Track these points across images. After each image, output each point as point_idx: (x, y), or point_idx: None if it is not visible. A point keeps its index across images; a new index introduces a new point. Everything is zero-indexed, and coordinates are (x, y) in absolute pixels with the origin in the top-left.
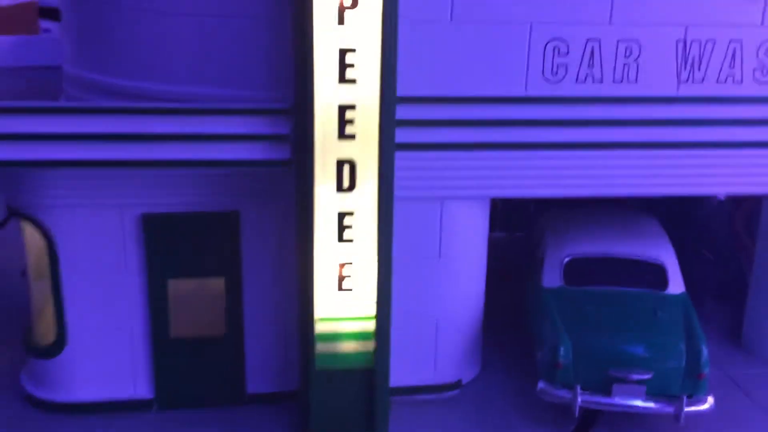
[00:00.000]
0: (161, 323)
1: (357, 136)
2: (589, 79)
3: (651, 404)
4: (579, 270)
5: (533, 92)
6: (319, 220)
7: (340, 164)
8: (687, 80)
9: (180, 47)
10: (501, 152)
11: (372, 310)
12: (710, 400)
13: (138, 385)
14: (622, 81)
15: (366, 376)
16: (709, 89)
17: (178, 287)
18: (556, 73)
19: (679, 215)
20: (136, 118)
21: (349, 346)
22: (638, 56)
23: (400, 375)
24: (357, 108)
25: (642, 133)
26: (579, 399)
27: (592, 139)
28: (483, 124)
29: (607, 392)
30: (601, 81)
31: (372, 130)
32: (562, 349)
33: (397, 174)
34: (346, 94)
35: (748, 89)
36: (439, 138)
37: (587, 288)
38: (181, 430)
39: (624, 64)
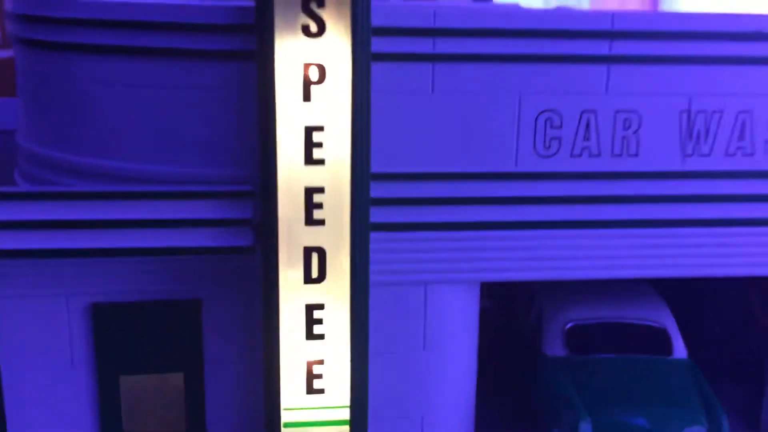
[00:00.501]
0: (113, 423)
1: (327, 221)
2: (586, 152)
3: None
4: (582, 336)
5: (524, 167)
6: (285, 314)
7: (308, 252)
8: (692, 154)
9: (139, 122)
10: (490, 232)
11: (346, 414)
12: None
13: None
14: (621, 155)
15: None
16: (717, 163)
17: (131, 384)
18: (549, 146)
19: (686, 290)
20: (81, 203)
21: None
22: (638, 128)
23: None
24: (326, 191)
25: (644, 210)
26: None
27: (589, 218)
28: (469, 202)
29: None
30: (599, 155)
31: (343, 215)
32: (584, 426)
33: (375, 256)
34: (313, 175)
35: (761, 162)
36: (420, 217)
37: (594, 356)
38: None
39: (623, 137)
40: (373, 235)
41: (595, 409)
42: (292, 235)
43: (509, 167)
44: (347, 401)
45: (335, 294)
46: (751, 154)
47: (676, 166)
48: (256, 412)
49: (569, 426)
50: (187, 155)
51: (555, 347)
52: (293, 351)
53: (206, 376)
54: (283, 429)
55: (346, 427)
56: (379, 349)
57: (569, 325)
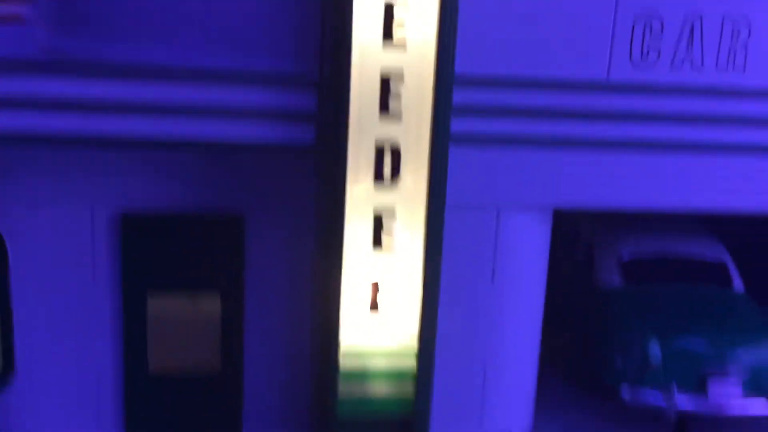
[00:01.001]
0: (137, 354)
1: (404, 114)
2: (687, 64)
3: (747, 404)
4: (639, 270)
5: (617, 77)
6: (351, 221)
7: (380, 149)
8: None
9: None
10: (573, 151)
11: (413, 342)
12: None
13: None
14: (727, 68)
15: (401, 430)
16: None
17: (161, 307)
18: (647, 55)
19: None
20: (114, 80)
21: (381, 389)
22: (748, 38)
23: (436, 425)
24: (405, 78)
25: (751, 134)
26: (676, 400)
27: (688, 139)
28: (550, 114)
29: (702, 393)
30: (702, 66)
31: (423, 107)
32: (653, 347)
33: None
34: (391, 59)
35: None
36: (496, 129)
37: (651, 287)
38: None
39: (730, 48)
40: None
41: (662, 332)
42: (363, 128)
43: (600, 76)
44: (415, 329)
45: (409, 201)
46: None
47: None
48: (301, 346)
49: (635, 350)
50: (239, 44)
51: (612, 281)
52: (357, 266)
53: (246, 303)
54: (341, 358)
55: (412, 360)
56: (443, 277)
57: (626, 258)
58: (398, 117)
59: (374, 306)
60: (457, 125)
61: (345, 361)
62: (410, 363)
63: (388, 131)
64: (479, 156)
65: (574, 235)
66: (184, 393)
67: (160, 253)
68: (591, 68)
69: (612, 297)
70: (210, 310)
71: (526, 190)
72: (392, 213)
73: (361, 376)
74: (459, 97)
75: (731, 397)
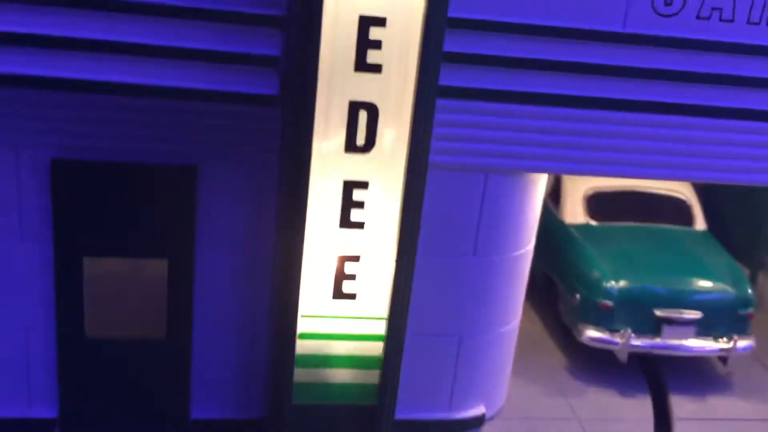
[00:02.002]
0: (73, 318)
1: (384, 68)
2: (716, 15)
3: (701, 345)
4: (603, 205)
5: (635, 29)
6: (316, 192)
7: (354, 108)
8: None
9: None
10: (575, 111)
11: (381, 327)
12: (753, 340)
13: (35, 401)
14: (760, 22)
15: (363, 415)
16: None
17: (99, 268)
18: (671, 4)
19: None
20: (53, 12)
21: (343, 375)
22: None
23: (402, 406)
24: (387, 24)
25: None
26: (630, 341)
27: (715, 103)
28: (553, 67)
29: (656, 334)
30: (732, 20)
31: (408, 61)
32: (608, 287)
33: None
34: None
35: None
36: (490, 84)
37: (614, 224)
38: None
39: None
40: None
41: (620, 271)
42: (335, 82)
43: (616, 27)
44: (384, 312)
45: (384, 170)
46: None
47: None
48: (256, 316)
49: (593, 287)
50: None
51: (576, 216)
52: (321, 242)
53: (196, 266)
54: (298, 341)
55: (380, 344)
56: (420, 249)
57: (589, 193)
58: (377, 69)
59: (340, 286)
60: (447, 79)
61: (304, 344)
62: (377, 349)
63: (366, 87)
64: (468, 109)
65: None
66: (124, 360)
67: (97, 205)
68: (604, 19)
69: (573, 233)
70: (155, 270)
71: (519, 151)
72: (365, 183)
73: (321, 361)
74: (451, 45)
75: (684, 338)
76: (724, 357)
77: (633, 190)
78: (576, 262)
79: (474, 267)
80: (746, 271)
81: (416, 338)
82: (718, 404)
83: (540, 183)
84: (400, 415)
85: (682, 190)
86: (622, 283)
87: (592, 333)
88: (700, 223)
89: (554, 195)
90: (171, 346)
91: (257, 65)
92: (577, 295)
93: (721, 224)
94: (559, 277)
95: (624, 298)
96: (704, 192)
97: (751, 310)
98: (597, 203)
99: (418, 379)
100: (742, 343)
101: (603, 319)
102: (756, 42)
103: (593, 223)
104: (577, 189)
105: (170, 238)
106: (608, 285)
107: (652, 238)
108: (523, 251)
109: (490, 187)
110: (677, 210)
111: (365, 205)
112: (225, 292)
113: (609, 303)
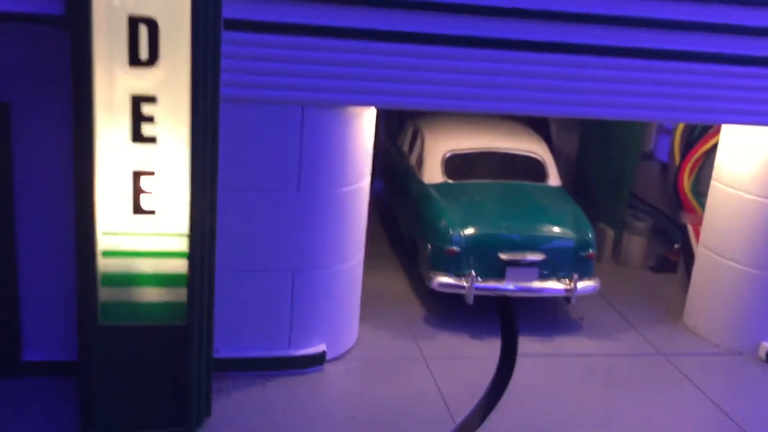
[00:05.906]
0: None
1: None
2: None
3: (544, 285)
4: (459, 165)
5: None
6: (103, 105)
7: (133, 23)
8: None
9: None
10: (403, 46)
11: (184, 244)
12: (597, 281)
13: None
14: None
15: (175, 338)
16: None
17: None
18: None
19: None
20: None
21: (150, 294)
22: None
23: (241, 343)
24: None
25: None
26: (474, 285)
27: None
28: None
29: (501, 277)
30: None
31: None
32: (454, 234)
33: (237, 65)
34: None
35: None
36: (302, 18)
37: (469, 181)
38: None
39: None
40: (236, 37)
41: (468, 221)
42: None
43: None
44: (185, 229)
45: (171, 84)
46: None
47: None
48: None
49: (442, 236)
50: None
51: (434, 176)
52: (114, 157)
53: (16, 203)
54: (101, 258)
55: (184, 261)
56: (240, 183)
57: (447, 155)
58: None
59: (138, 201)
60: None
61: (108, 262)
62: (182, 266)
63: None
64: (275, 43)
65: (399, 128)
66: None
67: None
68: None
69: (429, 191)
70: None
71: (334, 85)
72: (153, 98)
73: (125, 279)
74: None
75: (528, 280)
76: (568, 297)
77: (489, 150)
78: (429, 217)
79: (299, 202)
80: (610, 231)
81: (248, 274)
82: (564, 342)
83: (364, 118)
84: (239, 352)
85: (537, 150)
86: (468, 231)
87: (441, 279)
88: (553, 180)
89: (418, 160)
90: None
91: None
92: (429, 245)
93: (589, 188)
94: (418, 235)
95: (470, 244)
96: (575, 159)
97: (591, 251)
98: (455, 163)
99: (256, 317)
100: (584, 284)
101: (451, 265)
102: None
103: (450, 181)
104: (437, 151)
105: None
106: (454, 233)
107: (504, 193)
108: (352, 187)
109: (308, 121)
110: (532, 168)
111: (155, 120)
112: (51, 227)
113: (455, 249)
